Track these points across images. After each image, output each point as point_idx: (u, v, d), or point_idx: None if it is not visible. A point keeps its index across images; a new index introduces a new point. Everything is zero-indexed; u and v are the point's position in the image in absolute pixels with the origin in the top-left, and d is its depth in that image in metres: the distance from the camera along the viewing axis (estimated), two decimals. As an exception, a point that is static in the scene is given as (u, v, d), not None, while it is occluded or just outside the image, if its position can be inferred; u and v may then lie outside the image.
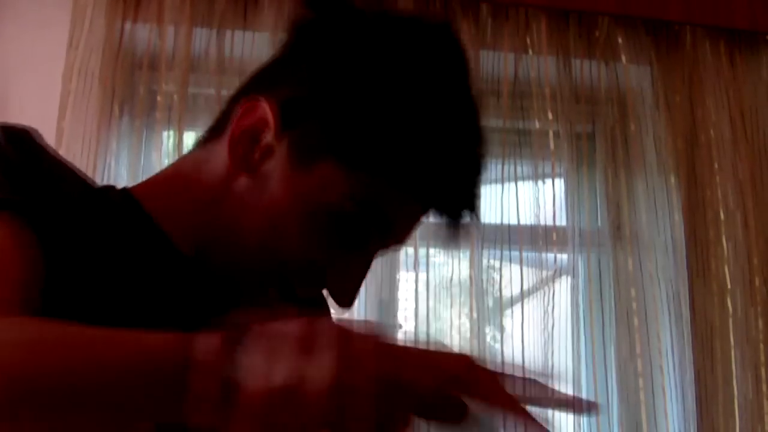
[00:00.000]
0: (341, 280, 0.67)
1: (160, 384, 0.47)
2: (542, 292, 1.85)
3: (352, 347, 0.46)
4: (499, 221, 1.85)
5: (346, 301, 0.68)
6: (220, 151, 0.68)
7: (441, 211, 0.68)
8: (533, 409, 0.54)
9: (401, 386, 0.49)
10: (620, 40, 1.93)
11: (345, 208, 0.63)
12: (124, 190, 0.72)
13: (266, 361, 0.45)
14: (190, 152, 0.74)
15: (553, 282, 1.85)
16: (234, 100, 0.71)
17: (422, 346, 0.55)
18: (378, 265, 1.74)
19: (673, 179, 1.89)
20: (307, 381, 0.44)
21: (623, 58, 1.93)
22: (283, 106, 0.66)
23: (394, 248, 0.70)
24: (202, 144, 0.73)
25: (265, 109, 0.66)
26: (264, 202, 0.65)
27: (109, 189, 0.72)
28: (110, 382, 0.47)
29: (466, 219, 0.69)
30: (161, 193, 0.72)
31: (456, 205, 0.68)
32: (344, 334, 0.47)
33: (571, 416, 1.81)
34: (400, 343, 0.52)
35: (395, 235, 0.68)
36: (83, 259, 0.61)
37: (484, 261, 1.82)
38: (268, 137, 0.66)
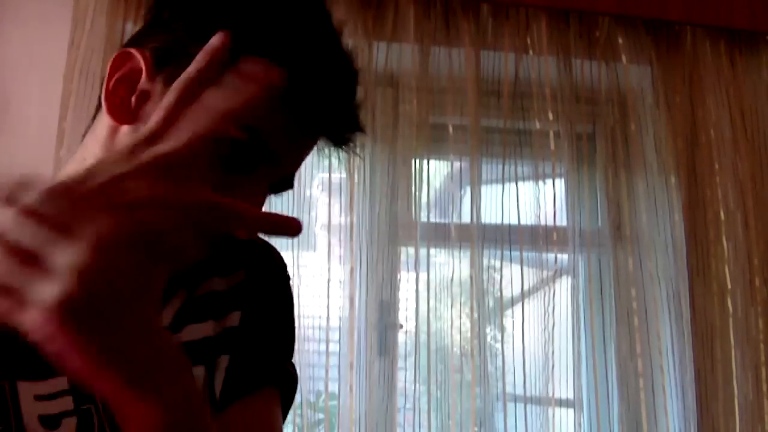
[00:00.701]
0: None
1: None
2: (543, 292, 1.85)
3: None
4: (499, 221, 1.85)
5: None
6: (100, 118, 0.69)
7: (317, 131, 0.68)
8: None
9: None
10: (620, 40, 1.93)
11: (226, 132, 0.62)
12: None
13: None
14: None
15: (554, 282, 1.85)
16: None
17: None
18: (379, 265, 1.75)
19: (673, 179, 1.89)
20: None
21: (623, 58, 1.93)
22: (153, 51, 0.67)
23: (284, 179, 0.70)
24: (89, 127, 0.73)
25: (136, 56, 0.67)
26: None
27: None
28: None
29: (349, 140, 0.69)
30: None
31: (330, 125, 0.68)
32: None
33: (570, 415, 1.81)
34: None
35: (278, 157, 0.67)
36: None
37: (485, 261, 1.82)
38: (143, 83, 0.66)
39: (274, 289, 0.80)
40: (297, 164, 0.71)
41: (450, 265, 1.80)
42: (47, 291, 0.39)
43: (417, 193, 1.80)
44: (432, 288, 1.77)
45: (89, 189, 0.42)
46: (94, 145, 0.69)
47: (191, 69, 0.51)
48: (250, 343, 0.74)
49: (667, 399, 1.79)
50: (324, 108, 0.67)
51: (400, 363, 1.75)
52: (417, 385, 1.73)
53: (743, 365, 1.82)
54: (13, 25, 1.74)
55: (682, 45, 1.98)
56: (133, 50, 0.67)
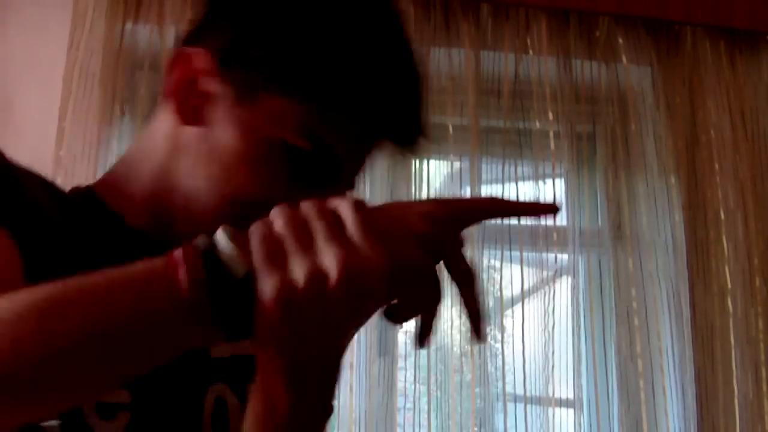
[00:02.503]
0: None
1: (162, 308, 0.47)
2: (543, 292, 1.85)
3: (348, 223, 0.48)
4: (499, 221, 1.85)
5: None
6: (162, 118, 0.70)
7: (381, 133, 0.68)
8: None
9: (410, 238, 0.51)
10: (620, 40, 1.93)
11: (291, 140, 0.63)
12: (87, 187, 0.73)
13: (274, 263, 0.46)
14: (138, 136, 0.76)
15: (554, 282, 1.85)
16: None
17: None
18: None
19: (673, 179, 1.89)
20: (325, 272, 0.46)
21: (623, 58, 1.93)
22: (217, 51, 0.66)
23: (346, 190, 0.70)
24: (147, 125, 0.75)
25: (199, 56, 0.66)
26: (214, 146, 0.65)
27: (73, 189, 0.73)
28: (121, 324, 0.47)
29: (413, 144, 0.69)
30: (113, 179, 0.72)
31: (395, 127, 0.68)
32: (330, 212, 0.49)
33: (570, 415, 1.81)
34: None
35: (344, 170, 0.67)
36: (46, 254, 0.61)
37: (485, 261, 1.82)
38: (207, 83, 0.66)
39: None
40: (358, 172, 0.70)
41: (450, 265, 1.79)
42: (312, 270, 0.46)
43: (417, 193, 1.80)
44: (432, 288, 1.77)
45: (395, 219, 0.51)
46: (159, 139, 0.69)
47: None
48: None
49: (667, 399, 1.79)
50: (384, 108, 0.66)
51: (400, 363, 1.75)
52: (417, 385, 1.73)
53: (743, 365, 1.82)
54: (13, 26, 1.74)
55: (682, 45, 1.97)
56: (195, 50, 0.66)
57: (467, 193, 1.86)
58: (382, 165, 1.80)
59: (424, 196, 1.82)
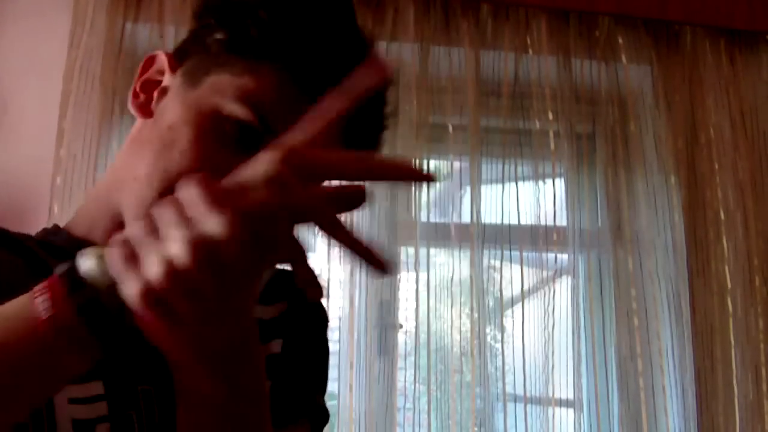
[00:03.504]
0: None
1: (34, 340, 0.46)
2: (543, 292, 1.85)
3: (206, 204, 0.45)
4: (499, 221, 1.85)
5: None
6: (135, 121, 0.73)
7: (313, 89, 0.66)
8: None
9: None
10: (620, 40, 1.93)
11: (228, 108, 0.65)
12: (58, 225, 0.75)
13: (129, 266, 0.44)
14: None
15: (554, 282, 1.85)
16: None
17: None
18: (379, 265, 1.75)
19: (673, 179, 1.89)
20: (177, 258, 0.43)
21: (623, 58, 1.93)
22: (174, 51, 0.72)
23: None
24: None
25: (160, 56, 0.71)
26: (159, 128, 0.68)
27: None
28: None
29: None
30: (83, 207, 0.75)
31: (324, 78, 0.67)
32: (175, 199, 0.46)
33: (570, 415, 1.81)
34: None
35: (282, 135, 0.67)
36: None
37: (485, 261, 1.82)
38: (165, 80, 0.71)
39: (314, 323, 0.82)
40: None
41: (450, 265, 1.80)
42: (164, 262, 0.43)
43: (417, 193, 1.80)
44: (432, 288, 1.77)
45: (231, 186, 0.46)
46: (126, 143, 0.73)
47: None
48: (290, 373, 0.75)
49: (667, 399, 1.79)
50: (314, 58, 0.67)
51: (400, 363, 1.75)
52: (417, 385, 1.73)
53: (743, 365, 1.82)
54: (13, 24, 1.73)
55: (682, 45, 1.98)
56: (157, 52, 0.71)
57: (467, 193, 1.86)
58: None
59: (424, 195, 1.82)
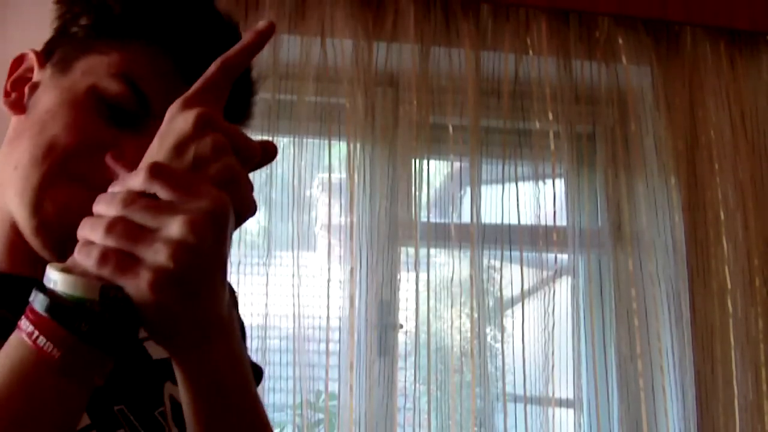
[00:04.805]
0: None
1: (47, 381, 0.47)
2: (543, 292, 1.85)
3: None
4: (499, 221, 1.85)
5: None
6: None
7: (183, 62, 0.68)
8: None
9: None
10: (620, 41, 1.93)
11: (101, 84, 0.65)
12: None
13: (126, 264, 0.47)
14: None
15: (554, 282, 1.85)
16: None
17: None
18: (379, 265, 1.75)
19: (673, 179, 1.89)
20: (180, 237, 0.46)
21: (623, 58, 1.93)
22: (42, 49, 0.72)
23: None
24: None
25: (27, 55, 0.72)
26: (35, 118, 0.67)
27: None
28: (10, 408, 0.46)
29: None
30: None
31: (192, 45, 0.68)
32: (131, 194, 0.48)
33: (570, 415, 1.81)
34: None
35: (156, 107, 0.67)
36: None
37: (485, 261, 1.82)
38: (35, 75, 0.70)
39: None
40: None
41: (450, 265, 1.80)
42: (150, 261, 0.46)
43: (417, 193, 1.80)
44: (432, 288, 1.77)
45: (186, 167, 0.48)
46: (2, 148, 0.71)
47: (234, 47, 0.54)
48: None
49: (667, 399, 1.79)
50: (177, 30, 0.68)
51: (400, 363, 1.75)
52: (417, 385, 1.73)
53: (743, 365, 1.82)
54: (14, 25, 1.74)
55: (682, 45, 1.98)
56: (25, 52, 0.72)
57: (467, 193, 1.86)
58: (382, 165, 1.80)
59: (424, 195, 1.82)
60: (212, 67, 0.53)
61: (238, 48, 0.54)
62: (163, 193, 0.47)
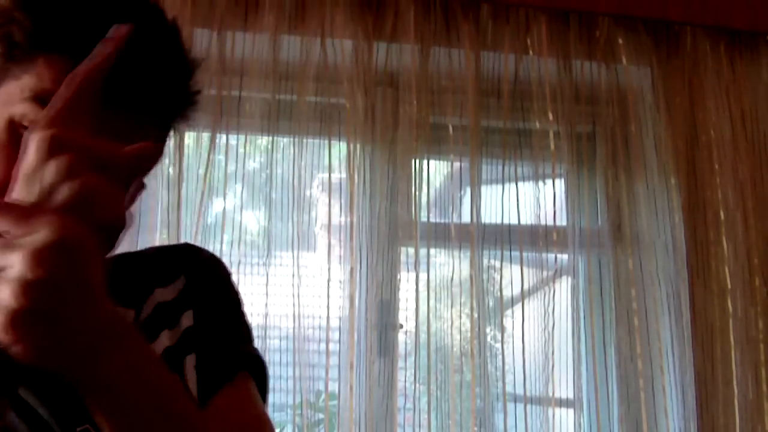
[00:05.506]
0: None
1: None
2: (543, 292, 1.85)
3: None
4: (499, 221, 1.85)
5: None
6: None
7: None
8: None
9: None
10: (620, 41, 1.93)
11: (18, 110, 0.64)
12: None
13: None
14: None
15: (554, 282, 1.85)
16: None
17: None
18: (379, 265, 1.76)
19: (673, 180, 1.89)
20: (23, 270, 0.44)
21: (623, 58, 1.93)
22: None
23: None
24: None
25: None
26: None
27: None
28: None
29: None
30: None
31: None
32: None
33: (570, 415, 1.81)
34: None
35: None
36: None
37: (485, 261, 1.83)
38: None
39: (216, 281, 0.81)
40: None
41: (450, 265, 1.80)
42: (16, 285, 0.44)
43: (417, 193, 1.80)
44: (432, 288, 1.77)
45: (36, 197, 0.47)
46: None
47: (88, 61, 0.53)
48: (211, 337, 0.75)
49: (667, 399, 1.79)
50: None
51: (400, 363, 1.75)
52: (417, 385, 1.73)
53: (743, 365, 1.82)
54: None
55: (682, 46, 1.98)
56: None
57: (467, 193, 1.86)
58: (382, 165, 1.80)
59: (424, 195, 1.82)
60: (62, 86, 0.51)
61: (89, 60, 0.52)
62: (10, 231, 0.46)
